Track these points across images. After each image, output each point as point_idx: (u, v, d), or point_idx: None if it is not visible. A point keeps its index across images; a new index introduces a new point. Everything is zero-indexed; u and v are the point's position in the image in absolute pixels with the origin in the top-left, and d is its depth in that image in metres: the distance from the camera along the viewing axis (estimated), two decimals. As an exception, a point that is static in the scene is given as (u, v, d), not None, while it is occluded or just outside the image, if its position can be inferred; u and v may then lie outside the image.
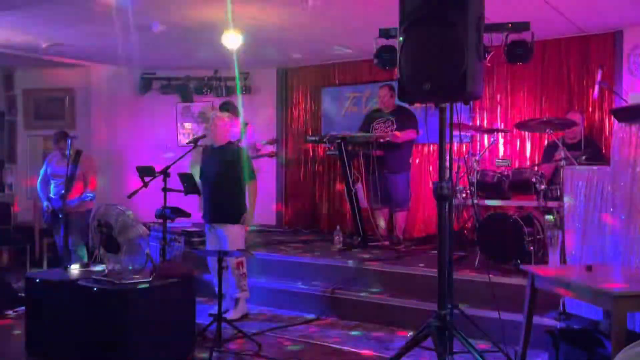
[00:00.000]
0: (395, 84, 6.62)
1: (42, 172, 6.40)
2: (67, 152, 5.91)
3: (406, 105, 6.42)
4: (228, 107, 7.70)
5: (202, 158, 5.55)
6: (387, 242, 6.47)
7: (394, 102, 6.56)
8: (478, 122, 6.99)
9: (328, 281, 5.55)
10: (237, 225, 5.22)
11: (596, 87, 4.54)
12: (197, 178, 5.45)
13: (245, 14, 5.66)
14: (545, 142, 6.24)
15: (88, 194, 6.08)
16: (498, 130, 6.23)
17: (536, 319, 3.34)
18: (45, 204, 6.26)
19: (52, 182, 6.30)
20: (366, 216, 6.57)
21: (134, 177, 5.56)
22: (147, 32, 6.21)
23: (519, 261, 4.88)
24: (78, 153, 6.22)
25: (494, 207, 5.87)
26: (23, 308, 4.70)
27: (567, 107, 6.37)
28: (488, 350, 3.83)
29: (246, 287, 5.27)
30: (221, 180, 5.25)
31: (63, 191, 5.97)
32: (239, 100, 7.66)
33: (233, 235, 5.17)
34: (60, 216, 5.93)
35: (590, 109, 6.40)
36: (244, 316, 5.25)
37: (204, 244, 6.50)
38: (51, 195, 6.26)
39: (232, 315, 5.13)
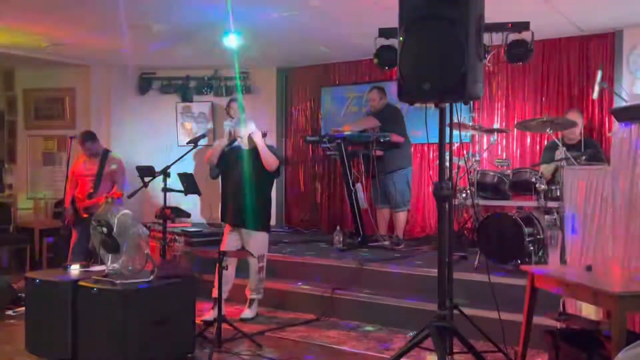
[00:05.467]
0: (383, 86, 6.73)
1: (67, 175, 6.10)
2: (95, 152, 5.95)
3: (397, 105, 6.52)
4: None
5: (226, 158, 5.25)
6: (387, 242, 6.46)
7: (384, 104, 6.60)
8: (478, 122, 6.99)
9: (328, 281, 5.54)
10: (264, 233, 5.28)
11: (596, 88, 4.53)
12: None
13: (246, 14, 5.66)
14: (545, 142, 6.24)
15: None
16: (498, 130, 6.23)
17: (536, 319, 3.34)
18: (69, 207, 5.99)
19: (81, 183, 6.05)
20: (366, 216, 6.57)
21: (134, 177, 5.54)
22: (147, 32, 6.21)
23: (519, 261, 4.88)
24: (105, 152, 6.16)
25: (494, 207, 5.88)
26: (23, 308, 4.69)
27: (567, 107, 6.36)
28: (488, 351, 3.82)
29: (262, 290, 5.32)
30: (254, 184, 5.15)
31: (91, 190, 5.86)
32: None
33: (260, 242, 5.24)
34: (91, 212, 5.55)
35: (590, 109, 6.40)
36: (255, 316, 5.28)
37: (205, 245, 6.50)
38: (80, 196, 5.98)
39: (247, 314, 5.20)
